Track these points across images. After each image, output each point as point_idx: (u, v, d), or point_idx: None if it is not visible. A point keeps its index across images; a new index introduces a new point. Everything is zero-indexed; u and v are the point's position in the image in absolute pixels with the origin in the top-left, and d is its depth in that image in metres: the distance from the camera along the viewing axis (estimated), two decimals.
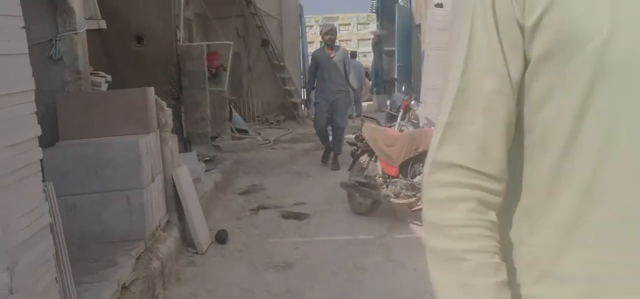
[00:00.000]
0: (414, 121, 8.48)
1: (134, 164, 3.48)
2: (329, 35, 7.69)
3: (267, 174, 7.16)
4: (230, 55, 10.52)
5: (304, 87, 13.39)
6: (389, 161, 4.76)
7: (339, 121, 7.53)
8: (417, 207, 4.51)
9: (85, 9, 4.43)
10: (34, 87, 2.20)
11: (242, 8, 12.32)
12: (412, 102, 8.00)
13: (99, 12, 4.73)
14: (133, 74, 6.81)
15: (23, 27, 2.14)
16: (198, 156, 7.54)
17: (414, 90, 12.55)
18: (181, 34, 7.91)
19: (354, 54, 15.49)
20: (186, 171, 4.40)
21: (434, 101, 8.73)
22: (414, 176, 4.58)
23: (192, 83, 8.66)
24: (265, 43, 12.60)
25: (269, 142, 9.86)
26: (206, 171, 6.37)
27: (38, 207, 2.14)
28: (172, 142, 4.18)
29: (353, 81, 9.35)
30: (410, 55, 12.37)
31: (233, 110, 10.42)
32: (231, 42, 10.29)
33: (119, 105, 3.73)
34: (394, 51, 15.31)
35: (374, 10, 17.15)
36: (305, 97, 8.08)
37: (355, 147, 5.39)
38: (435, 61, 8.48)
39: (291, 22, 13.04)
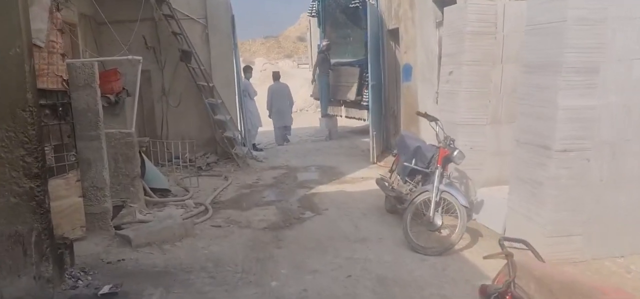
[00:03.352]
0: (449, 181, 5.37)
1: None
2: None
3: None
4: (139, 76, 6.86)
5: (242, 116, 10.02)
6: None
7: None
8: None
9: None
10: None
11: (150, 9, 8.70)
12: (455, 152, 4.94)
13: None
14: None
15: None
16: (91, 278, 4.01)
17: (385, 117, 9.47)
18: (60, 44, 4.29)
19: (278, 75, 12.49)
20: None
21: (469, 143, 5.75)
22: None
23: (75, 130, 5.02)
24: (186, 56, 9.02)
25: (207, 210, 6.38)
26: None
27: None
28: None
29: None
30: (381, 70, 9.43)
31: (146, 161, 6.80)
32: (139, 57, 6.67)
33: None
34: (342, 64, 12.35)
35: (314, 14, 14.05)
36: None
37: (494, 287, 2.24)
38: (471, 82, 5.52)
39: (221, 28, 9.57)
